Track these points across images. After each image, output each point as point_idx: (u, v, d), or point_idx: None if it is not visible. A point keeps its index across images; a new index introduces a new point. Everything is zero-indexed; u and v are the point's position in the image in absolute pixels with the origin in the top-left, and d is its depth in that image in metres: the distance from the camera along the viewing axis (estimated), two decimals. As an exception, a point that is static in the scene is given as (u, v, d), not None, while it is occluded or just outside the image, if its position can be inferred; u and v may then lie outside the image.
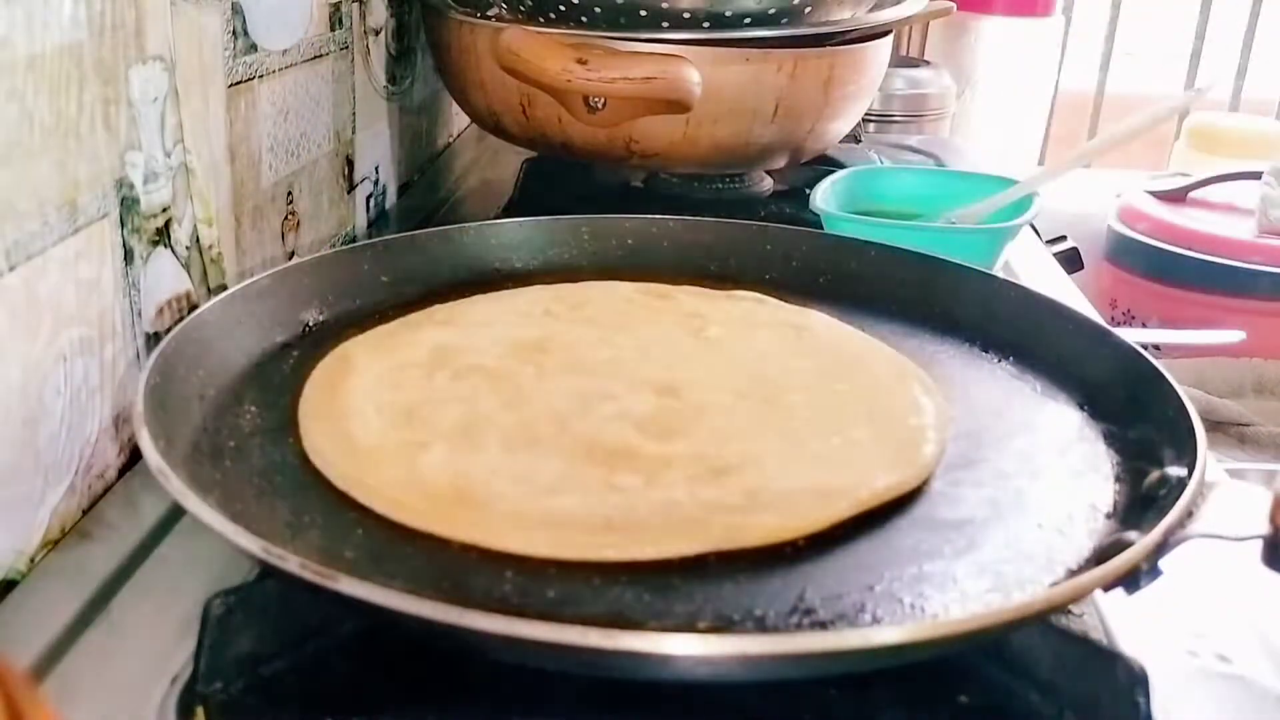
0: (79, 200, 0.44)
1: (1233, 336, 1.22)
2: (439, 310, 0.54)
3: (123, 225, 0.48)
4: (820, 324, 0.55)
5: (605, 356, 0.50)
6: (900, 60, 1.48)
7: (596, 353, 0.50)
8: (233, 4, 0.57)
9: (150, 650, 0.37)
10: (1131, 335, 0.49)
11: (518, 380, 0.47)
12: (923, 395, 0.47)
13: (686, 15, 0.72)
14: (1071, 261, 0.87)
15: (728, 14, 0.73)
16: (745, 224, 0.64)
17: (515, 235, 0.62)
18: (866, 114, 0.97)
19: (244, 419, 0.44)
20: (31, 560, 0.43)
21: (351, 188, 0.79)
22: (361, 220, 0.82)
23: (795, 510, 0.38)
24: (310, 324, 0.53)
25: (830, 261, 0.61)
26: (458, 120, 1.12)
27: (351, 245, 0.59)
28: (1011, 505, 0.40)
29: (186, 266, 0.54)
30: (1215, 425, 1.11)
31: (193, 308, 0.53)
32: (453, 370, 0.48)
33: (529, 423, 0.44)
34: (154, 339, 0.51)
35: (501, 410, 0.45)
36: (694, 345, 0.52)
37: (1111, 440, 0.45)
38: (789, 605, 0.34)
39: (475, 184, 0.98)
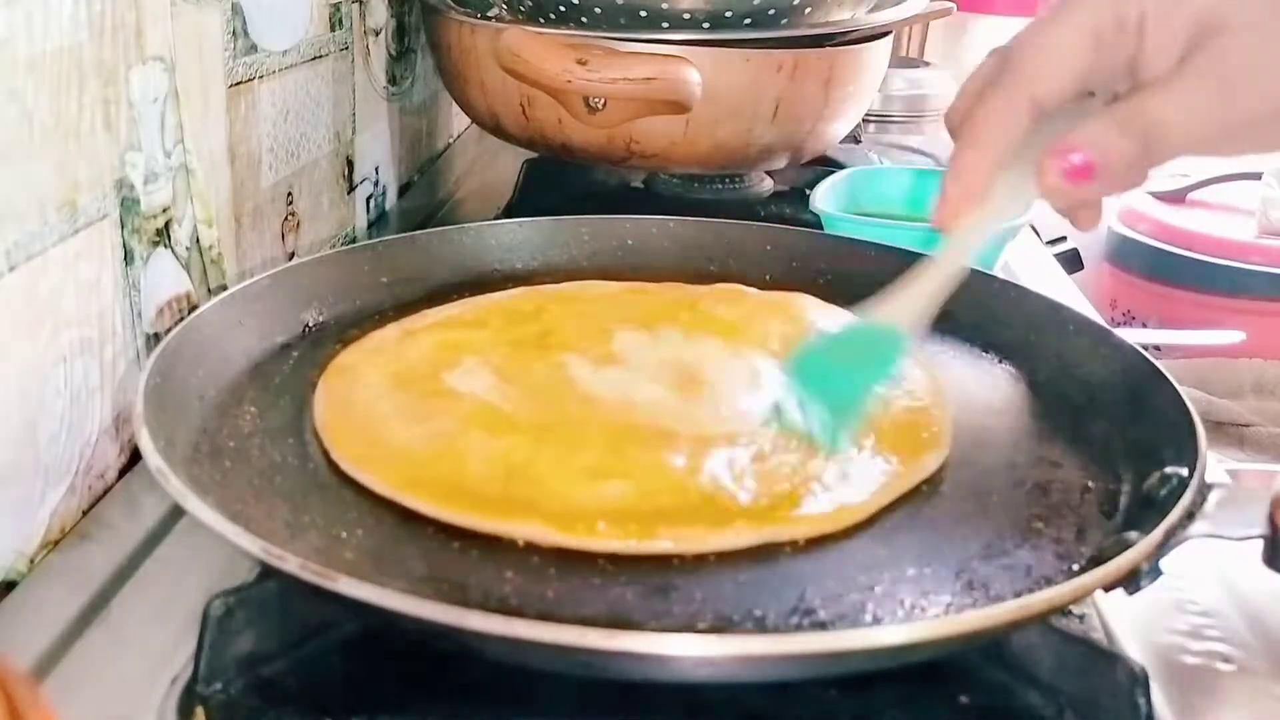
0: (79, 200, 0.44)
1: (1233, 337, 1.22)
2: (428, 314, 0.54)
3: (123, 226, 0.48)
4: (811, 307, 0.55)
5: (610, 344, 0.50)
6: (900, 60, 1.48)
7: (600, 343, 0.50)
8: (233, 4, 0.57)
9: (150, 650, 0.37)
10: (1131, 336, 0.49)
11: (532, 371, 0.47)
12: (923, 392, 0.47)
13: (686, 15, 0.72)
14: (1071, 262, 0.87)
15: (728, 14, 0.73)
16: (745, 224, 0.64)
17: (515, 235, 0.62)
18: (866, 114, 0.97)
19: (244, 419, 0.44)
20: (31, 561, 0.43)
21: (351, 188, 0.79)
22: (361, 221, 0.82)
23: (842, 497, 0.39)
24: (310, 324, 0.52)
25: (830, 261, 0.61)
26: (458, 121, 1.12)
27: (351, 246, 0.59)
28: (1011, 505, 0.40)
29: (187, 267, 0.54)
30: (1215, 425, 1.11)
31: (193, 308, 0.53)
32: (463, 369, 0.47)
33: (557, 407, 0.44)
34: (154, 339, 0.51)
35: (525, 398, 0.44)
36: (696, 328, 0.52)
37: (1111, 440, 0.45)
38: (789, 605, 0.34)
39: (475, 185, 0.98)
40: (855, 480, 0.40)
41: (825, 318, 0.53)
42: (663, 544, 0.36)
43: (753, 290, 0.57)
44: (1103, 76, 0.39)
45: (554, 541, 0.36)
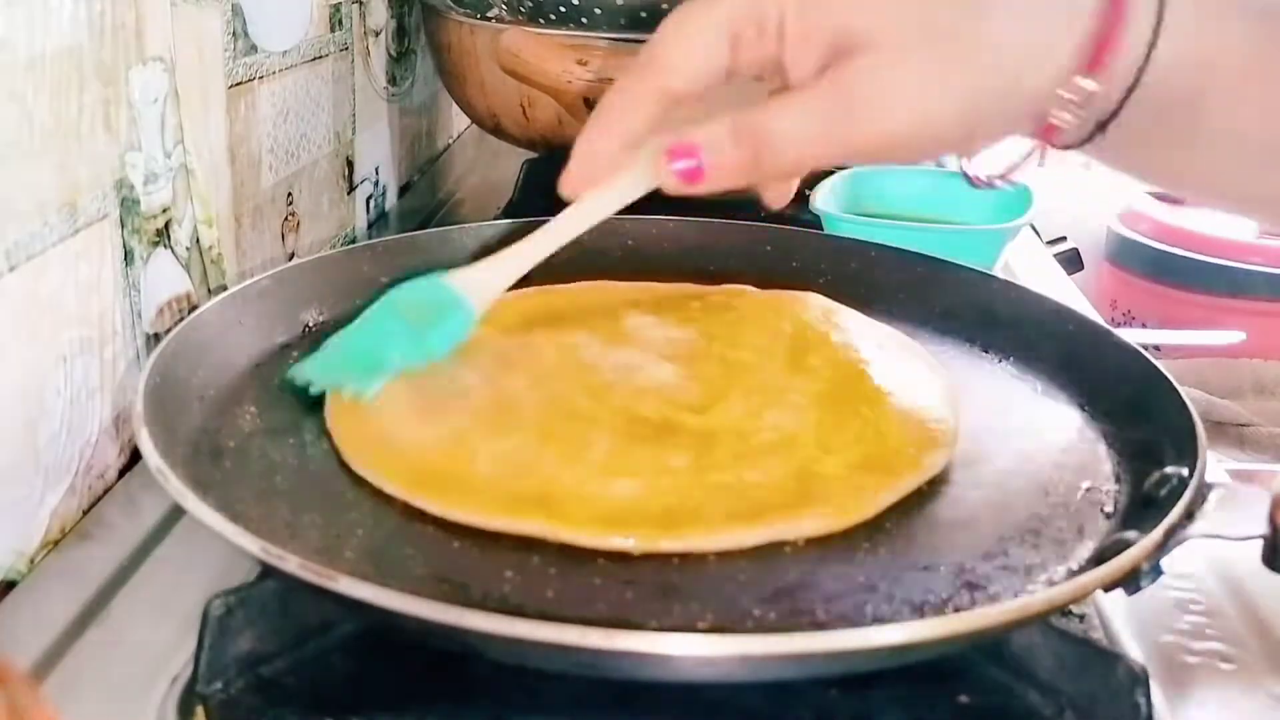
0: (79, 201, 0.44)
1: (1233, 337, 1.22)
2: None
3: (123, 226, 0.48)
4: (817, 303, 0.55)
5: (620, 328, 0.50)
6: (900, 61, 1.48)
7: (611, 324, 0.50)
8: (233, 5, 0.57)
9: (150, 650, 0.37)
10: (1131, 336, 0.49)
11: (542, 357, 0.47)
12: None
13: (686, 16, 0.72)
14: (1072, 262, 0.87)
15: (728, 14, 0.73)
16: (745, 224, 0.64)
17: (515, 236, 0.62)
18: (866, 114, 0.97)
19: (244, 419, 0.44)
20: (31, 561, 0.43)
21: (351, 189, 0.79)
22: (361, 221, 0.82)
23: (846, 497, 0.39)
24: (310, 324, 0.52)
25: (830, 261, 0.61)
26: (458, 121, 1.12)
27: (351, 246, 0.59)
28: (1011, 505, 0.40)
29: (186, 267, 0.54)
30: (1215, 425, 1.11)
31: (193, 308, 0.53)
32: (470, 363, 0.47)
33: (565, 400, 0.44)
34: (154, 339, 0.51)
35: (533, 389, 0.44)
36: (705, 317, 0.52)
37: (1111, 440, 0.45)
38: (789, 605, 0.34)
39: (475, 185, 0.98)
40: (858, 480, 0.40)
41: (831, 315, 0.53)
42: (668, 544, 0.36)
43: (755, 290, 0.57)
44: (753, 71, 0.39)
45: (561, 538, 0.36)
